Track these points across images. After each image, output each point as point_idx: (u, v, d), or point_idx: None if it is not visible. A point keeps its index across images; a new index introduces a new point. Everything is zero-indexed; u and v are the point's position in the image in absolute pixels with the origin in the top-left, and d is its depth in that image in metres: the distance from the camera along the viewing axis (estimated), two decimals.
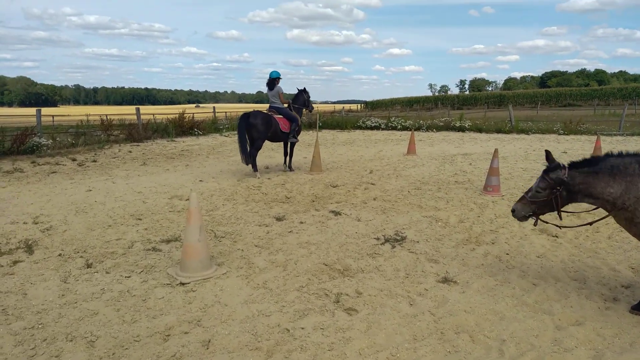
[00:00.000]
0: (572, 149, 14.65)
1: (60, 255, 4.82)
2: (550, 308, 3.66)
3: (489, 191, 7.89)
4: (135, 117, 17.49)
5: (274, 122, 9.38)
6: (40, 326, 3.36)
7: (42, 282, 4.14)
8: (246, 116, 9.16)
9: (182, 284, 4.12)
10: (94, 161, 11.48)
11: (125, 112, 20.20)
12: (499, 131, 21.06)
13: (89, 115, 18.99)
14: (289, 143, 10.08)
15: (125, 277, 4.28)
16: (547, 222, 3.91)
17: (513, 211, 3.83)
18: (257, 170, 9.36)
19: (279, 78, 9.80)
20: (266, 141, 9.65)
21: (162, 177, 9.49)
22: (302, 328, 3.35)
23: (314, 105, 10.91)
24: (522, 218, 3.78)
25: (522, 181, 9.03)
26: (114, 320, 3.48)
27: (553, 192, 3.55)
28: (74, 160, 11.48)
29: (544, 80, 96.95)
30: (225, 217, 6.33)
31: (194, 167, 10.95)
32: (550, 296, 3.88)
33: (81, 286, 4.07)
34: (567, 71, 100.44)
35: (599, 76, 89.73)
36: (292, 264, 4.63)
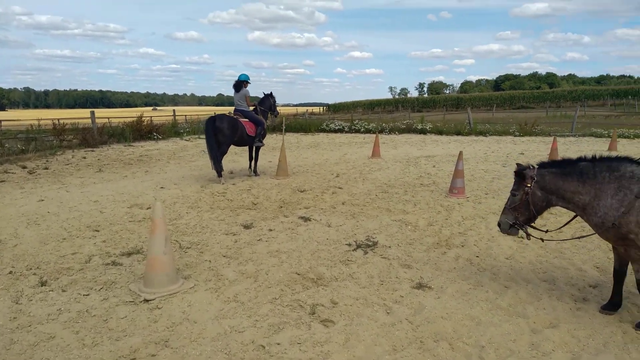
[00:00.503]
0: (529, 150, 15.15)
1: (10, 272, 4.46)
2: (524, 311, 3.68)
3: (455, 193, 7.99)
4: (89, 120, 16.74)
5: (240, 126, 9.16)
6: None
7: None
8: (212, 120, 8.90)
9: (147, 300, 3.88)
10: (46, 168, 10.85)
11: (79, 115, 19.34)
12: (458, 133, 21.54)
13: (41, 119, 17.98)
14: (254, 147, 9.89)
15: (84, 295, 3.99)
16: (533, 236, 3.80)
17: (499, 225, 3.82)
18: (221, 176, 9.10)
19: (247, 82, 9.62)
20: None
21: (120, 184, 9.07)
22: (278, 344, 3.21)
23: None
24: (510, 229, 3.73)
25: (485, 182, 9.21)
26: (73, 344, 3.21)
27: (525, 190, 3.58)
28: (24, 167, 10.81)
29: (498, 84, 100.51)
30: (190, 226, 6.08)
31: (154, 173, 10.54)
32: (523, 299, 3.91)
33: (35, 307, 3.76)
34: (520, 74, 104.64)
35: (550, 79, 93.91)
36: (263, 274, 4.46)
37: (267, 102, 10.19)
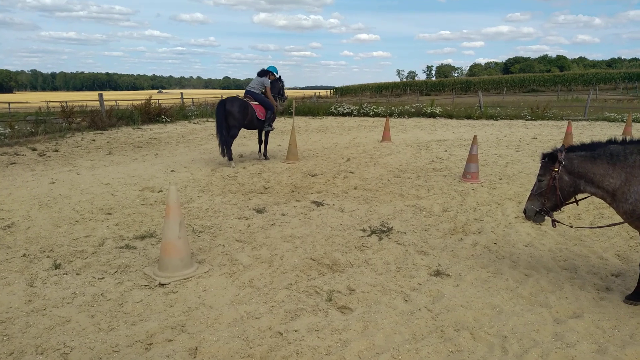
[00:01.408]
0: (542, 134, 14.90)
1: (24, 255, 4.43)
2: (546, 300, 3.59)
3: (468, 178, 7.86)
4: (97, 103, 16.68)
5: (250, 109, 9.05)
6: (5, 338, 3.03)
7: (5, 286, 3.78)
8: (223, 103, 8.81)
9: (162, 284, 3.84)
10: (56, 151, 10.83)
11: (87, 98, 19.26)
12: (468, 117, 21.24)
13: (49, 102, 17.94)
14: (264, 131, 9.79)
15: (98, 278, 3.96)
16: (561, 223, 3.79)
17: (525, 212, 3.72)
18: (232, 159, 9.03)
19: (274, 74, 9.70)
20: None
21: (131, 167, 9.03)
22: (296, 330, 3.16)
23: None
24: (536, 216, 3.64)
25: (498, 167, 9.07)
26: (88, 328, 3.18)
27: (552, 175, 3.47)
28: (34, 150, 10.79)
29: (507, 67, 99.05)
30: (202, 210, 6.03)
31: (163, 156, 10.49)
32: (545, 287, 3.82)
33: (50, 290, 3.73)
34: (529, 57, 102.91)
35: (560, 62, 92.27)
36: (277, 259, 4.41)
37: (276, 86, 10.03)
